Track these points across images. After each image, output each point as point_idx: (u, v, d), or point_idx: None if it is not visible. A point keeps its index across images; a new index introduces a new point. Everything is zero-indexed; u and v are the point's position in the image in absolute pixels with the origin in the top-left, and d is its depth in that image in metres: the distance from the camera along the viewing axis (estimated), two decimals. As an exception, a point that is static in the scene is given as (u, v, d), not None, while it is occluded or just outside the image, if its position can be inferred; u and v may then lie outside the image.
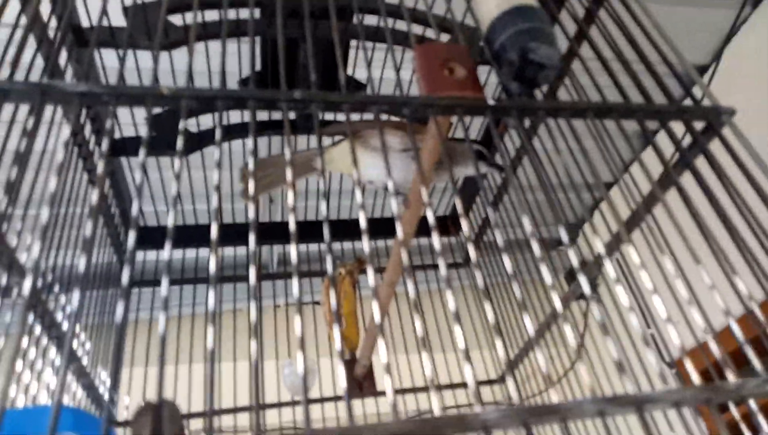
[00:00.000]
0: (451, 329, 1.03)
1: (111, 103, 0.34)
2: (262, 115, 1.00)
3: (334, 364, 0.94)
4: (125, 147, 0.82)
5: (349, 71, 0.93)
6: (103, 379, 0.74)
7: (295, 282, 0.30)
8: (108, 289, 0.82)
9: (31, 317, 0.50)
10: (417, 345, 1.01)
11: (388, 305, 0.74)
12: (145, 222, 0.99)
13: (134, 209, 0.31)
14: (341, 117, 0.89)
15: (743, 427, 0.50)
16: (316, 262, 1.09)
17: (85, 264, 0.29)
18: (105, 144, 0.33)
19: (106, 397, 0.75)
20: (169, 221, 0.30)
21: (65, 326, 0.57)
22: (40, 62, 0.55)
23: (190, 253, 0.97)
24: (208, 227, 0.99)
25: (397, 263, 0.67)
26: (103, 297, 0.78)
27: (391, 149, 0.64)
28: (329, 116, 0.91)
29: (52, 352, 0.55)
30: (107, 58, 0.75)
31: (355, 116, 0.87)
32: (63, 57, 0.63)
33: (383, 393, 0.95)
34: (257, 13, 0.78)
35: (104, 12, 0.45)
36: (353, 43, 0.85)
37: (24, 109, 0.39)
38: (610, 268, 0.34)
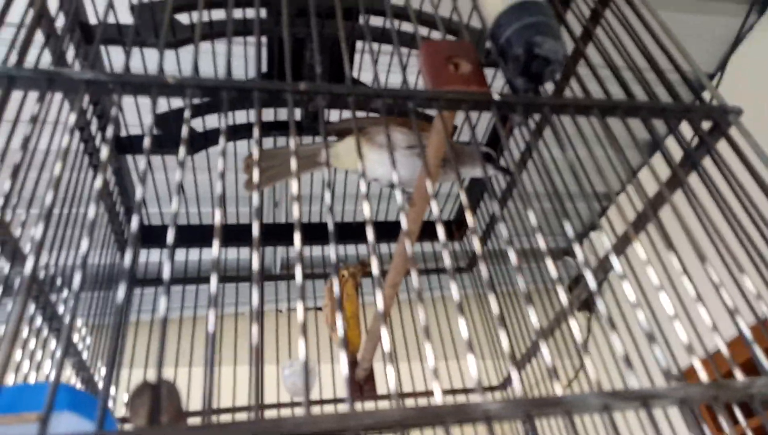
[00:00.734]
0: (453, 334, 1.03)
1: (116, 91, 0.34)
2: (268, 116, 1.01)
3: (334, 369, 0.94)
4: (132, 145, 0.83)
5: (355, 74, 0.93)
6: (102, 375, 0.74)
7: (298, 271, 0.30)
8: (111, 289, 0.82)
9: (32, 307, 0.50)
10: (418, 346, 1.00)
11: (390, 307, 0.74)
12: (150, 221, 0.99)
13: (138, 193, 0.31)
14: (347, 115, 0.89)
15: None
16: (319, 266, 1.09)
17: (87, 245, 0.29)
18: (110, 130, 0.33)
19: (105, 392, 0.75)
20: (173, 205, 0.29)
21: (66, 319, 0.56)
22: (47, 59, 0.55)
23: (193, 254, 0.97)
24: (212, 227, 0.99)
25: (400, 265, 0.66)
26: (106, 297, 0.78)
27: (396, 146, 0.64)
28: (334, 116, 0.91)
29: (52, 344, 0.55)
30: (114, 56, 0.75)
31: (360, 114, 0.87)
32: (71, 54, 0.63)
33: (384, 396, 0.94)
34: (264, 12, 0.79)
35: (110, 6, 0.45)
36: (359, 46, 0.86)
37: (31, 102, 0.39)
38: (617, 265, 0.34)
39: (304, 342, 0.28)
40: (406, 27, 0.81)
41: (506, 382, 0.96)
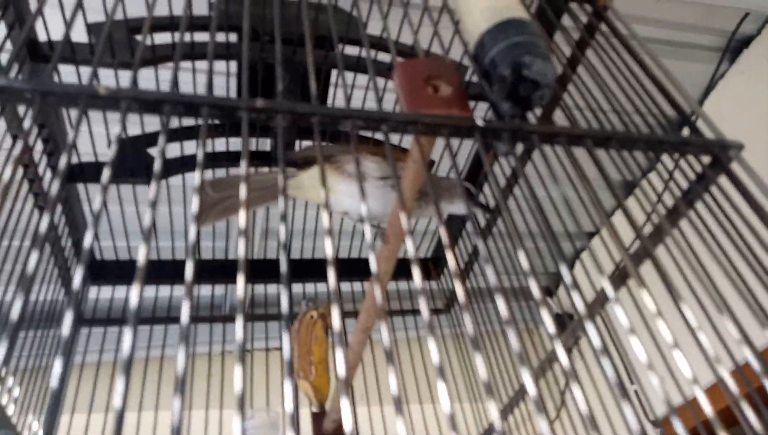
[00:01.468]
0: (430, 380, 0.96)
1: (35, 101, 0.29)
2: (237, 145, 0.95)
3: (298, 416, 0.86)
4: (83, 172, 0.77)
5: (328, 103, 0.89)
6: (33, 428, 0.65)
7: (239, 324, 0.25)
8: (51, 328, 0.74)
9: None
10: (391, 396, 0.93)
11: (362, 353, 0.68)
12: (102, 256, 0.92)
13: (87, 239, 0.25)
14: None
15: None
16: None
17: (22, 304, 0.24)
18: (62, 160, 0.28)
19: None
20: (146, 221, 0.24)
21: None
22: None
23: (148, 290, 0.90)
24: (169, 263, 0.92)
25: (372, 306, 0.61)
26: (43, 337, 0.70)
27: (367, 176, 0.59)
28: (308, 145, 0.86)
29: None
30: (66, 75, 0.70)
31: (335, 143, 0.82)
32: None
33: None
34: (233, 37, 0.75)
35: (69, 23, 0.40)
36: (333, 79, 0.82)
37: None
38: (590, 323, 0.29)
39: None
40: (383, 57, 0.78)
41: (486, 433, 0.90)
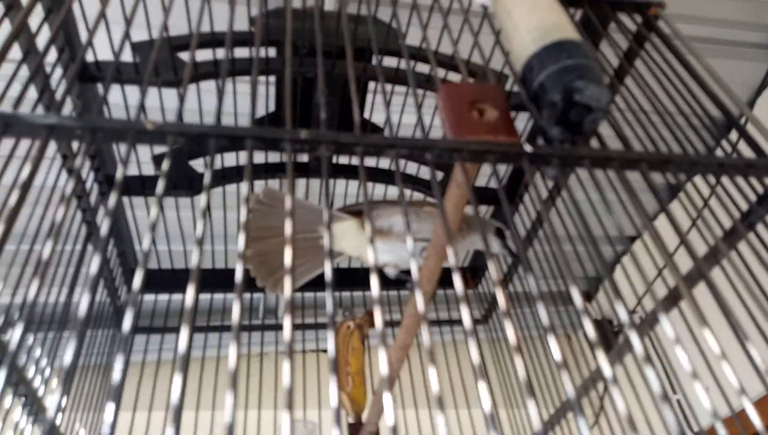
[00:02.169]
0: (466, 385, 0.95)
1: (85, 138, 0.29)
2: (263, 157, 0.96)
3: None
4: (128, 186, 0.78)
5: (366, 115, 0.89)
6: (77, 428, 0.67)
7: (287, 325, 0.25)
8: (95, 331, 0.76)
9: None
10: (428, 401, 0.92)
11: (399, 369, 0.67)
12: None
13: (145, 244, 0.26)
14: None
15: None
16: (324, 313, 1.02)
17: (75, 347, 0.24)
18: (112, 198, 0.28)
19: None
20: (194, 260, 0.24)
21: (37, 382, 0.51)
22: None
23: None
24: (208, 271, 0.94)
25: (411, 325, 0.60)
26: (90, 344, 0.72)
27: (401, 233, 0.59)
28: (343, 159, 0.86)
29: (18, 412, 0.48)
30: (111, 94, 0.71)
31: (370, 162, 0.82)
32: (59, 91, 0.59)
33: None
34: (273, 52, 0.75)
35: (118, 51, 0.40)
36: (371, 86, 0.82)
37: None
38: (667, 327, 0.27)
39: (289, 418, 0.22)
40: (422, 68, 0.77)
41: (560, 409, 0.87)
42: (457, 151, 0.33)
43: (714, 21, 1.17)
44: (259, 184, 0.90)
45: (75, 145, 0.63)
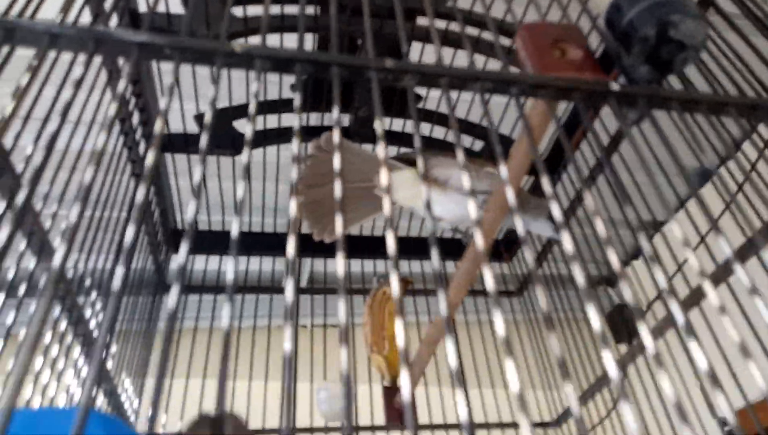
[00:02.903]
0: (501, 363, 0.95)
1: (175, 57, 0.29)
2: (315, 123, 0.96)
3: (372, 391, 0.87)
4: (172, 143, 0.79)
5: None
6: (126, 386, 0.68)
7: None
8: (141, 295, 0.77)
9: (57, 309, 0.45)
10: (464, 374, 0.92)
11: (425, 368, 0.67)
12: (183, 225, 0.95)
13: (191, 209, 0.25)
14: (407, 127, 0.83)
15: None
16: (358, 281, 1.03)
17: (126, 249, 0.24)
18: (158, 124, 0.28)
19: (129, 406, 0.69)
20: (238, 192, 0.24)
21: (93, 324, 0.51)
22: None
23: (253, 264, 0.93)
24: (260, 235, 0.94)
25: (436, 333, 0.60)
26: (135, 302, 0.73)
27: (456, 186, 0.58)
28: (397, 125, 0.85)
29: (77, 351, 0.49)
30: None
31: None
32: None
33: (426, 426, 0.87)
34: (318, 9, 0.75)
35: None
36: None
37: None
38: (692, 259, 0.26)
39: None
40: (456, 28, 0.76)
41: (560, 419, 0.88)
42: (542, 87, 0.32)
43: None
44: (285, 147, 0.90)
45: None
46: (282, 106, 0.79)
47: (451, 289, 0.57)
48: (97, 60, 0.57)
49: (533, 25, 0.36)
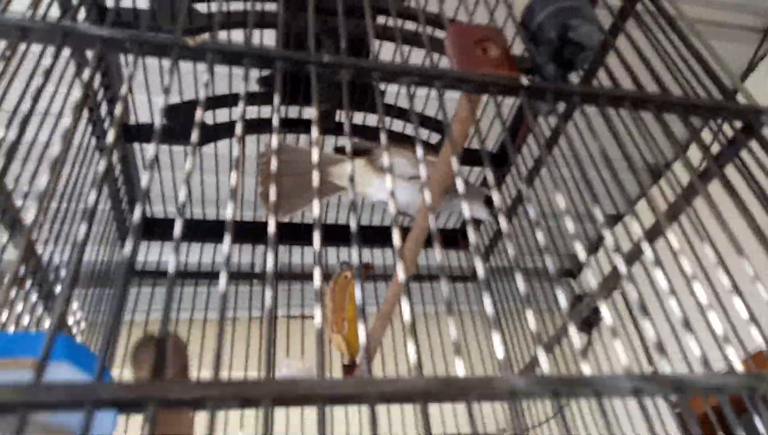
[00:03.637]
0: (474, 314, 1.00)
1: (134, 50, 0.33)
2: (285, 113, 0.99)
3: (332, 372, 0.91)
4: (140, 133, 0.82)
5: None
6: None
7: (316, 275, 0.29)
8: (108, 281, 0.80)
9: (22, 269, 0.48)
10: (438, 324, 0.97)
11: (381, 337, 0.72)
12: (153, 215, 0.98)
13: (144, 181, 0.28)
14: (370, 117, 0.87)
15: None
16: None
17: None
18: (118, 108, 0.32)
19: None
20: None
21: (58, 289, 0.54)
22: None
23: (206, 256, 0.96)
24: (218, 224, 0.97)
25: (396, 294, 0.65)
26: (102, 293, 0.76)
27: (399, 173, 0.64)
28: (357, 118, 0.89)
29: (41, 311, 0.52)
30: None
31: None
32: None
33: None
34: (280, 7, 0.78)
35: None
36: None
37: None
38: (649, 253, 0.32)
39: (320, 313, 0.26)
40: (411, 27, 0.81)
41: (528, 367, 0.93)
42: (463, 81, 0.37)
43: (706, 2, 1.21)
44: (251, 139, 0.93)
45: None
46: (233, 100, 0.82)
47: (406, 245, 0.62)
48: (66, 52, 0.60)
49: (460, 26, 0.41)
